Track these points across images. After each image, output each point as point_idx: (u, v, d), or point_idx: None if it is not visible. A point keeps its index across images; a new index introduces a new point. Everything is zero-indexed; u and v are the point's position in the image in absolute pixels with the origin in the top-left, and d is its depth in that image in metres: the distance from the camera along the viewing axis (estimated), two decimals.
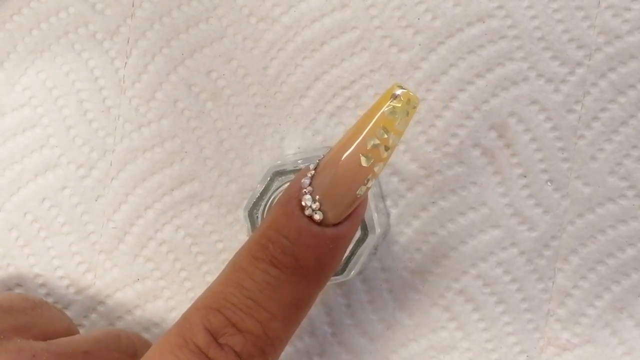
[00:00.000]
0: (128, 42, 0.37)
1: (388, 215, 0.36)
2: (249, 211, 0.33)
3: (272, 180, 0.33)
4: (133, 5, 0.37)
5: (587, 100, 0.35)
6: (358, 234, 0.33)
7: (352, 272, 0.33)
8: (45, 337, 0.32)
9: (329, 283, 0.32)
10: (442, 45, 0.36)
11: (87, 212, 0.38)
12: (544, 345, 0.36)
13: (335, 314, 0.37)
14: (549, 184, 0.35)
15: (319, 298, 0.37)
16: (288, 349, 0.37)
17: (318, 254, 0.28)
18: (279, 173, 0.33)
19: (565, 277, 0.36)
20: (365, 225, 0.33)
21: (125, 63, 0.37)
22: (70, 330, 0.34)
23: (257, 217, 0.33)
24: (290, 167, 0.33)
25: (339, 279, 0.34)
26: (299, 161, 0.34)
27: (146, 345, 0.35)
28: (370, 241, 0.33)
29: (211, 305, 0.28)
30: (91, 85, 0.37)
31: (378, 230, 0.34)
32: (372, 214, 0.33)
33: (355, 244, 0.33)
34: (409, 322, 0.36)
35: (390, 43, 0.36)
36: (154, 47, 0.37)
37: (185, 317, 0.29)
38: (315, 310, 0.37)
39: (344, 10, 0.36)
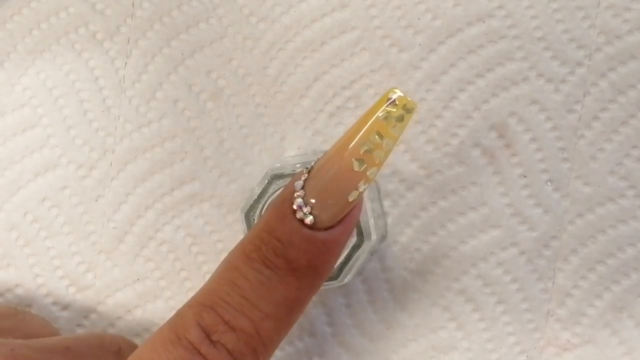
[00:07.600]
0: (128, 42, 0.37)
1: (385, 219, 0.36)
2: (245, 213, 0.33)
3: (270, 183, 0.33)
4: (133, 5, 0.37)
5: (587, 100, 0.35)
6: (354, 240, 0.33)
7: (347, 277, 0.33)
8: (27, 339, 0.32)
9: (324, 288, 0.31)
10: (442, 45, 0.36)
11: (87, 212, 0.38)
12: (544, 345, 0.36)
13: (336, 314, 0.37)
14: (549, 184, 0.35)
15: (318, 298, 0.37)
16: (288, 349, 0.37)
17: (309, 257, 0.28)
18: (277, 176, 0.33)
19: (565, 277, 0.36)
20: (361, 230, 0.33)
21: (125, 63, 0.37)
22: (54, 334, 0.34)
23: (254, 219, 0.33)
24: (288, 171, 0.33)
25: (334, 284, 0.33)
26: (297, 164, 0.33)
27: (132, 346, 0.35)
28: (366, 247, 0.33)
29: (204, 303, 0.28)
30: (91, 85, 0.37)
31: (374, 237, 0.33)
32: (369, 219, 0.33)
33: (350, 249, 0.33)
34: (409, 322, 0.36)
35: (390, 43, 0.36)
36: (154, 47, 0.37)
37: (179, 314, 0.29)
38: (315, 311, 0.37)
39: (344, 10, 0.36)
